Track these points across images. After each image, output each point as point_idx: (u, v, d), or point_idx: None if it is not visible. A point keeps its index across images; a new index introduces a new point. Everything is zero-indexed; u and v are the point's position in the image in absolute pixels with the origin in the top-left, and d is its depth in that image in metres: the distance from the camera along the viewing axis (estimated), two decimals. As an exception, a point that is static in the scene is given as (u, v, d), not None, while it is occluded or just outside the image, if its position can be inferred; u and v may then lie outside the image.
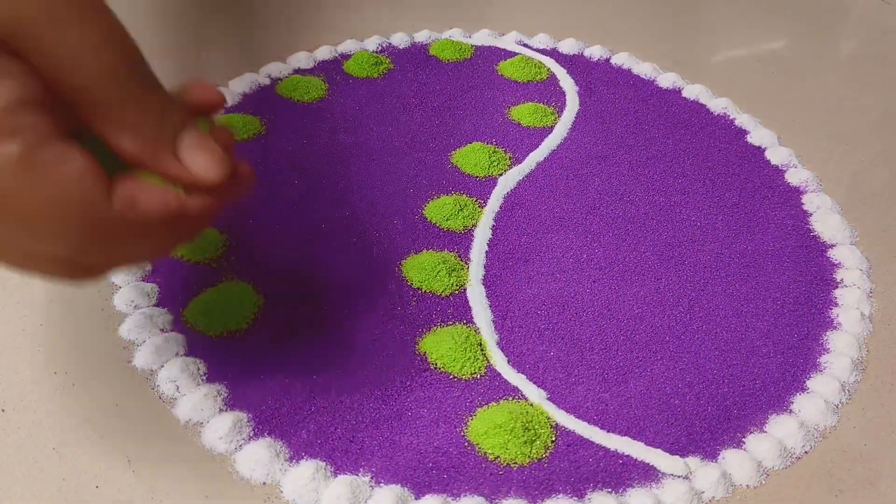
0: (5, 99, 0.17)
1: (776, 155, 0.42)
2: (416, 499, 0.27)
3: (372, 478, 0.27)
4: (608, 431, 0.29)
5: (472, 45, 0.50)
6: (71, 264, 0.20)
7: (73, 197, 0.19)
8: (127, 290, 0.32)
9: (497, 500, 0.27)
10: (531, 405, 0.29)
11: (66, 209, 0.19)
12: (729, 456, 0.28)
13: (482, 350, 0.31)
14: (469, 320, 0.33)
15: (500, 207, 0.38)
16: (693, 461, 0.28)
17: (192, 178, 0.21)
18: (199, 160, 0.21)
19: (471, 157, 0.41)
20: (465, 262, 0.35)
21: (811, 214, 0.39)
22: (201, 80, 0.23)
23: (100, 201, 0.19)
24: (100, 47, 0.19)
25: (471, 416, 0.29)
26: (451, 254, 0.35)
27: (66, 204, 0.19)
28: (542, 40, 0.51)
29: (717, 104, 0.46)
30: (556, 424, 0.29)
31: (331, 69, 0.47)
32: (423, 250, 0.36)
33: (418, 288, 0.34)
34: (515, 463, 0.28)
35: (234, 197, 0.22)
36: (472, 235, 0.37)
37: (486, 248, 0.36)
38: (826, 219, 0.38)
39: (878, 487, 0.28)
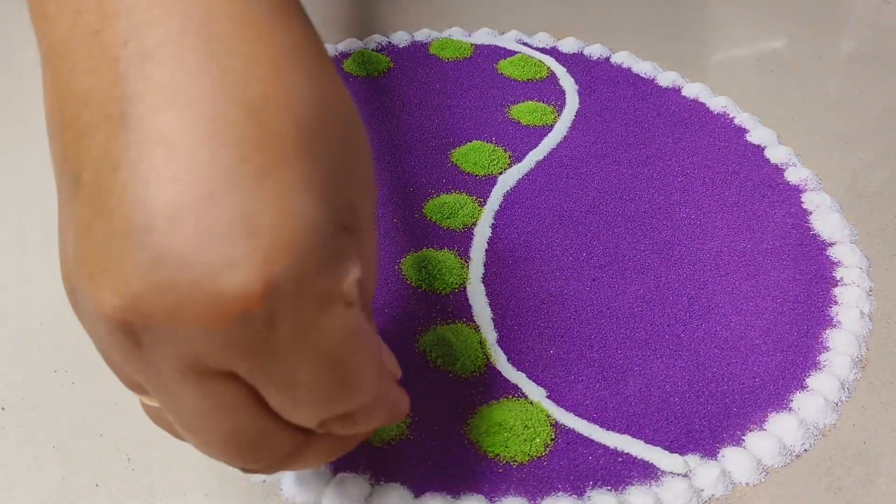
0: (357, 274, 0.18)
1: (776, 153, 0.42)
2: (415, 497, 0.27)
3: (371, 476, 0.27)
4: (607, 429, 0.29)
5: (471, 44, 0.50)
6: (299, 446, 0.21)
7: (376, 360, 0.20)
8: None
9: (497, 499, 0.27)
10: (531, 403, 0.29)
11: (375, 369, 0.20)
12: (728, 454, 0.28)
13: (482, 348, 0.31)
14: (469, 318, 0.33)
15: (500, 206, 0.38)
16: (692, 459, 0.28)
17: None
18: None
19: (470, 156, 0.41)
20: (465, 261, 0.35)
21: (811, 213, 0.39)
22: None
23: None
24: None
25: (470, 414, 0.29)
26: (451, 252, 0.35)
27: (376, 365, 0.20)
28: (542, 39, 0.51)
29: (717, 103, 0.46)
30: (556, 422, 0.29)
31: (330, 68, 0.47)
32: (422, 248, 0.36)
33: (418, 286, 0.34)
34: (515, 461, 0.28)
35: None
36: (471, 234, 0.37)
37: (486, 246, 0.36)
38: (825, 217, 0.38)
39: (877, 485, 0.28)
